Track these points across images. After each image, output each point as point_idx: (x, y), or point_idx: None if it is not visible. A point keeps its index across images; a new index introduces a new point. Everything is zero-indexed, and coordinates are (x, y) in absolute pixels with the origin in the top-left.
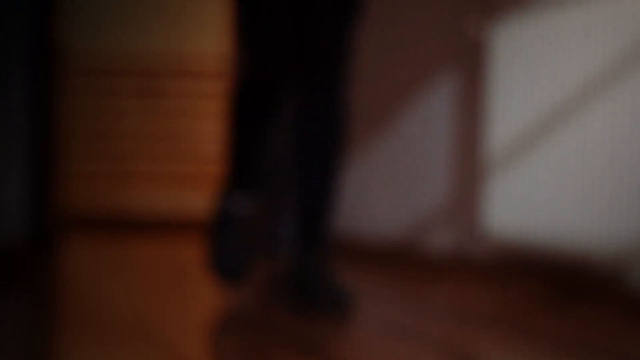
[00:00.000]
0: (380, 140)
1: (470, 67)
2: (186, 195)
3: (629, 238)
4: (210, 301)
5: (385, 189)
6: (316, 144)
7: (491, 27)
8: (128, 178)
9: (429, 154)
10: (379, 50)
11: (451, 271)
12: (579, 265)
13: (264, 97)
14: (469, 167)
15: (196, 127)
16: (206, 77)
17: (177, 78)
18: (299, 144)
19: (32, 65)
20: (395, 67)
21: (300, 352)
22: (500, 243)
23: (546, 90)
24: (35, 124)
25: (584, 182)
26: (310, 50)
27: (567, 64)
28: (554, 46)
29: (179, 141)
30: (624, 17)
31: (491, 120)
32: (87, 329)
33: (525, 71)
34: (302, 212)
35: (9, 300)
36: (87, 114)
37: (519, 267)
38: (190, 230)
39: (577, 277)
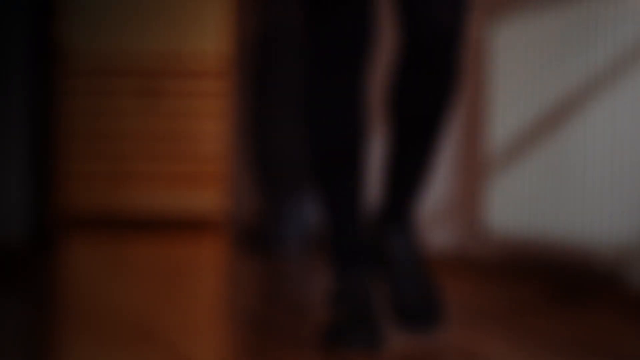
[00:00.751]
0: (381, 139)
1: (470, 67)
2: (186, 195)
3: (629, 238)
4: (210, 301)
5: None
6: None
7: (491, 27)
8: (128, 178)
9: None
10: (379, 49)
11: (452, 270)
12: (580, 265)
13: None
14: (470, 165)
15: (196, 127)
16: (206, 77)
17: (177, 78)
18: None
19: (32, 65)
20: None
21: (301, 351)
22: (501, 242)
23: (546, 89)
24: (35, 124)
25: (584, 181)
26: (422, 27)
27: (567, 64)
28: (554, 46)
29: (179, 141)
30: (624, 17)
31: (492, 120)
32: (87, 329)
33: (526, 71)
34: (392, 183)
35: (9, 300)
36: (87, 114)
37: (519, 266)
38: (190, 230)
39: (577, 277)
